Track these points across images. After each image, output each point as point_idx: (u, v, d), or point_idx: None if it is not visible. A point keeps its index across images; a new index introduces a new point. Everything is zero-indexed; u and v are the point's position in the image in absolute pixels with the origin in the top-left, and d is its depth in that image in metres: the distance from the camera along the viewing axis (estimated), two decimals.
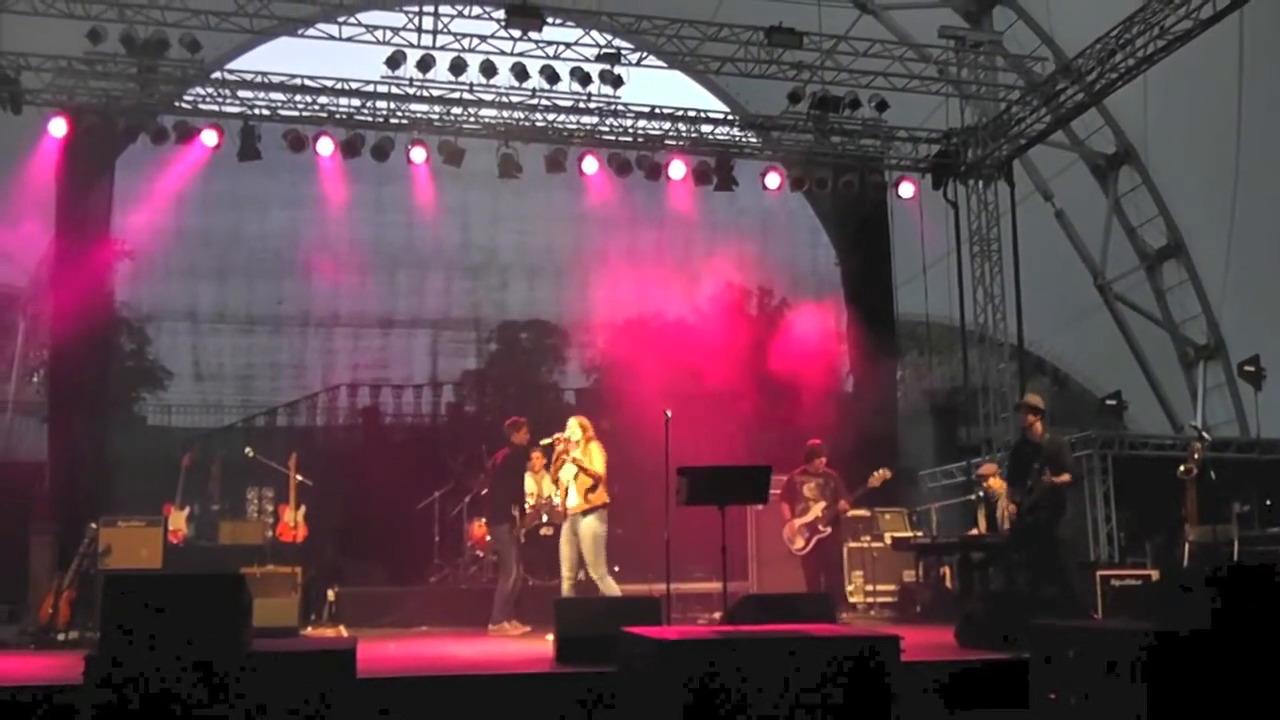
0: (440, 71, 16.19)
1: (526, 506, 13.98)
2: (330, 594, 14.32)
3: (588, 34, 16.76)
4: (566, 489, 12.22)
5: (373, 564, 15.87)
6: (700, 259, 19.52)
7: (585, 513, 12.01)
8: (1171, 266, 20.38)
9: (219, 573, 10.33)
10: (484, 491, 14.42)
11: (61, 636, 11.80)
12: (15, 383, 22.32)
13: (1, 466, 16.61)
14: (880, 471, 13.92)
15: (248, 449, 15.63)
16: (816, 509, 13.74)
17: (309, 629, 13.30)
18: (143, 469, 16.92)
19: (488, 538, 15.28)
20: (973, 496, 15.51)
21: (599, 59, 16.55)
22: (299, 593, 13.07)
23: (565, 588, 12.08)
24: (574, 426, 12.31)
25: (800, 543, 13.81)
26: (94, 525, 12.89)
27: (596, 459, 12.13)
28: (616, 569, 15.30)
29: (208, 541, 15.00)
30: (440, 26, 15.94)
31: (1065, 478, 11.91)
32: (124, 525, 13.25)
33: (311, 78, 16.88)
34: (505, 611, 13.03)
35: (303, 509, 14.79)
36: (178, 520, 14.83)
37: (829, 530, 13.73)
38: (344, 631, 13.20)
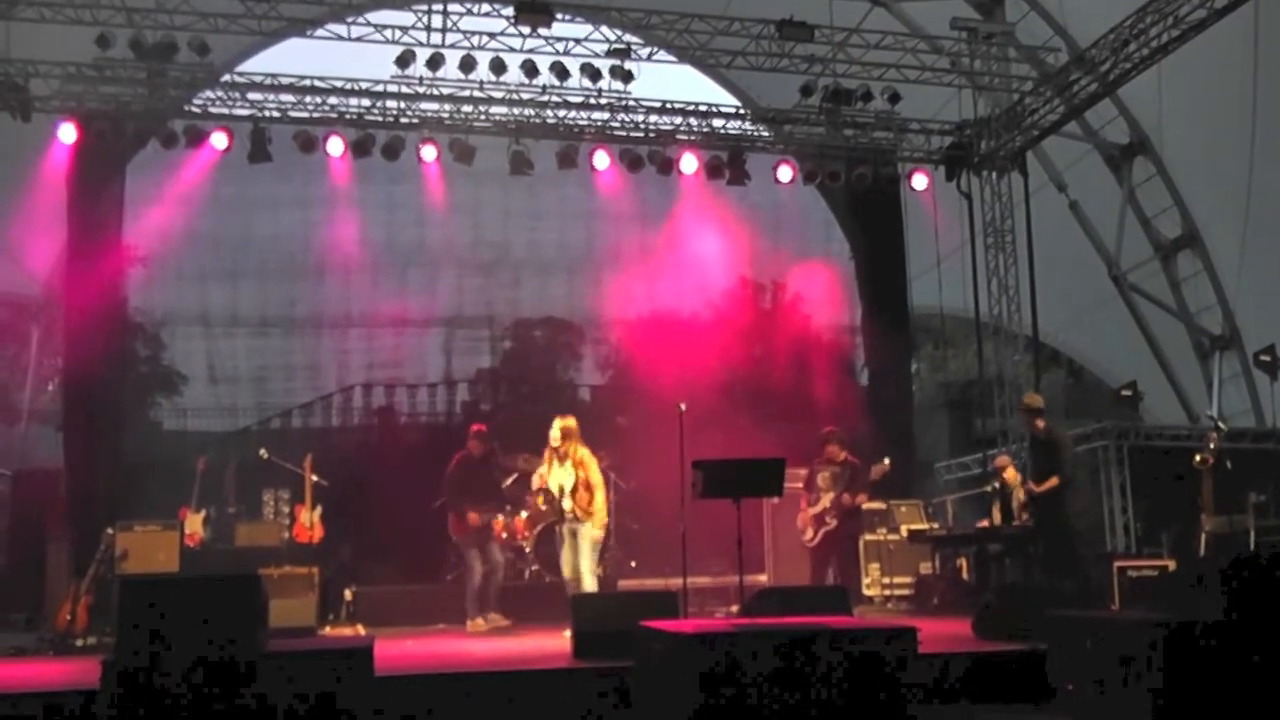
0: (450, 69, 16.17)
1: (540, 503, 13.91)
2: (347, 593, 14.34)
3: (597, 29, 16.78)
4: (562, 494, 12.11)
5: (389, 563, 15.85)
6: (713, 253, 19.47)
7: (581, 520, 12.02)
8: (1186, 257, 20.30)
9: (234, 574, 10.32)
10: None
11: (80, 642, 11.79)
12: (30, 391, 22.39)
13: (18, 475, 16.63)
14: (879, 464, 13.82)
15: (262, 451, 15.62)
16: (825, 500, 13.67)
17: (326, 628, 13.34)
18: (158, 473, 16.89)
19: (503, 534, 15.31)
20: (988, 489, 15.47)
21: (609, 54, 16.54)
22: (316, 593, 13.10)
23: (570, 589, 11.97)
24: (555, 432, 12.24)
25: (810, 534, 13.76)
26: (110, 530, 12.89)
27: (595, 474, 12.14)
28: (634, 564, 15.44)
29: (224, 544, 15.00)
30: (449, 25, 15.92)
31: (1047, 485, 12.51)
32: (140, 530, 13.26)
33: (321, 78, 16.91)
34: (473, 607, 13.26)
35: (318, 509, 14.79)
36: (194, 524, 14.81)
37: (835, 523, 13.59)
38: (361, 630, 13.23)
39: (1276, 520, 14.73)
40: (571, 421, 12.34)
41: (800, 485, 13.87)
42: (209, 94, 16.86)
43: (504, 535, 15.35)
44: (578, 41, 16.40)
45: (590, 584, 11.89)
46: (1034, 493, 12.80)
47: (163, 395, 23.99)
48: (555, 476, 12.14)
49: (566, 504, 11.99)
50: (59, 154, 16.07)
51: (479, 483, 13.71)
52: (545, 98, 17.11)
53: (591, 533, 11.99)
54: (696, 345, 18.16)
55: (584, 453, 12.18)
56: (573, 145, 17.46)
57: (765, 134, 18.93)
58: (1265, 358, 16.55)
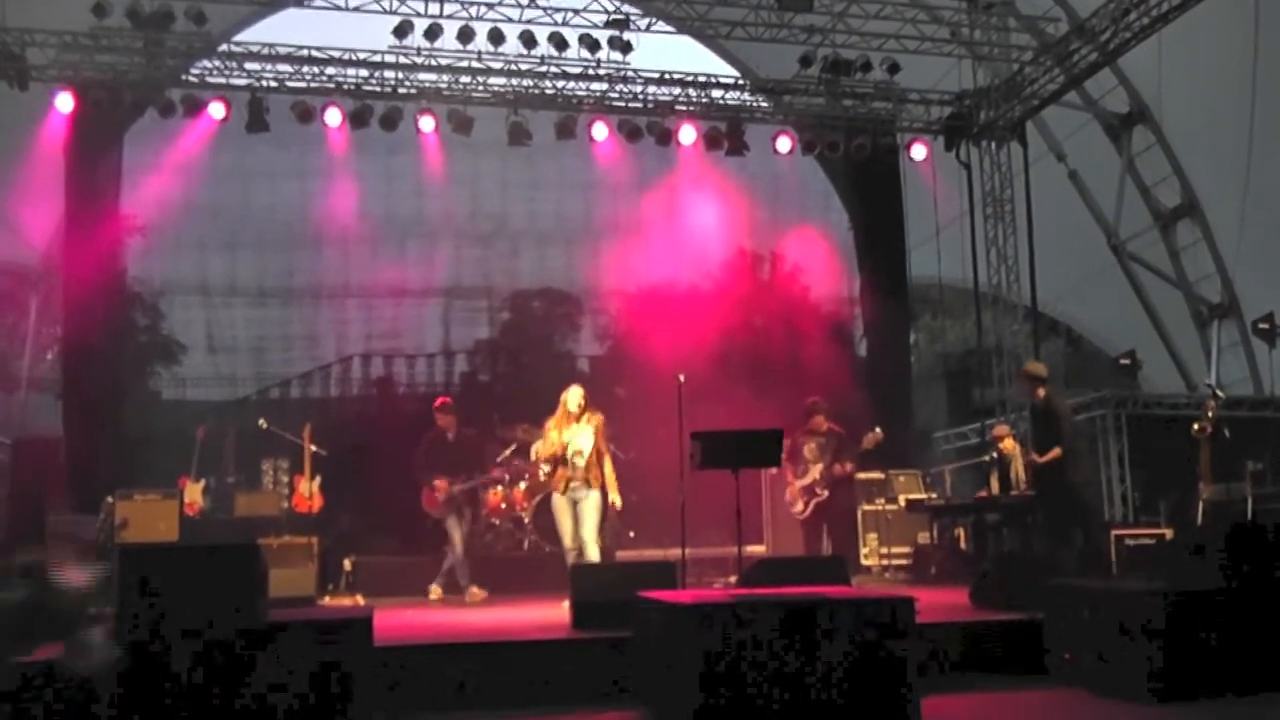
0: (448, 40, 16.14)
1: (543, 472, 13.87)
2: (347, 563, 14.35)
3: (596, 0, 16.71)
4: (578, 456, 11.89)
5: (388, 533, 15.88)
6: (711, 224, 19.45)
7: (590, 488, 11.94)
8: (1185, 226, 20.29)
9: (234, 543, 10.33)
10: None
11: None
12: (29, 360, 22.37)
13: (18, 444, 16.59)
14: (871, 433, 13.76)
15: (261, 420, 15.62)
16: (814, 471, 13.61)
17: (326, 598, 13.35)
18: (158, 443, 16.91)
19: (502, 505, 15.34)
20: (986, 458, 15.49)
21: (607, 25, 16.48)
22: (315, 562, 13.12)
23: (571, 559, 11.86)
24: (577, 396, 12.08)
25: (800, 506, 13.69)
26: (110, 500, 12.93)
27: (604, 444, 12.07)
28: (632, 534, 15.46)
29: (224, 514, 15.01)
30: None
31: (1050, 456, 12.34)
32: (140, 499, 13.31)
33: (319, 48, 16.86)
34: (464, 577, 13.48)
35: (318, 479, 14.79)
36: (193, 493, 14.83)
37: (826, 494, 13.54)
38: (361, 600, 13.24)
39: (1274, 488, 14.77)
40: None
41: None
42: (206, 63, 16.80)
43: (503, 506, 15.40)
44: (576, 12, 16.34)
45: (594, 553, 11.84)
46: (1036, 463, 12.74)
47: (161, 364, 23.90)
48: (574, 438, 11.91)
49: (580, 462, 11.85)
50: (56, 123, 16.08)
51: (449, 457, 13.67)
52: (543, 68, 17.07)
53: (600, 500, 11.88)
54: (695, 316, 18.14)
55: (598, 421, 12.11)
56: (571, 116, 17.43)
57: (764, 104, 18.90)
58: (1263, 326, 16.58)
